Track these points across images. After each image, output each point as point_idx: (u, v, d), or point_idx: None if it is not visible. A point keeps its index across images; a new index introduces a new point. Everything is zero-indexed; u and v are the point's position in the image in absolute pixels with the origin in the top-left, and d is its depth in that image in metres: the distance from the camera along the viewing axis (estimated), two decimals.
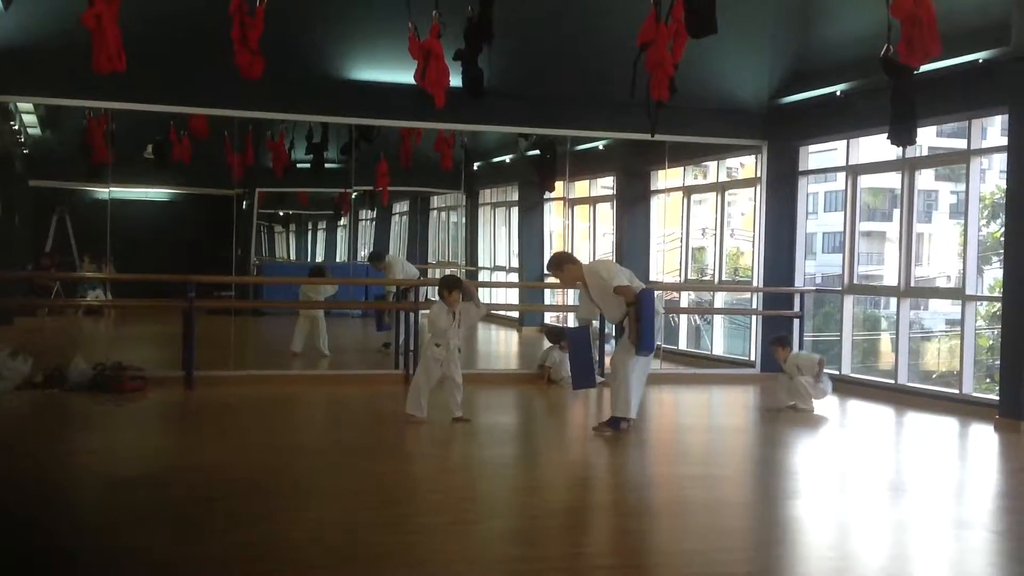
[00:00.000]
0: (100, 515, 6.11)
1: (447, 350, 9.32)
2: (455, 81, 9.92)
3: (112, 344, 12.67)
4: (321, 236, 17.83)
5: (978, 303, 11.80)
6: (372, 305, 14.29)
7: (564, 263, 9.31)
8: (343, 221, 16.96)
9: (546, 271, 10.17)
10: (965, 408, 10.77)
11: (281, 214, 17.54)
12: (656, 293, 9.34)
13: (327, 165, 14.86)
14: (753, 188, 14.09)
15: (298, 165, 15.13)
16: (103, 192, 13.18)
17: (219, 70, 9.94)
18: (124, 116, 12.46)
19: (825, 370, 11.01)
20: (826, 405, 11.03)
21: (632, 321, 8.81)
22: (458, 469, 7.92)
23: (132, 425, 9.68)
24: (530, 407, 11.20)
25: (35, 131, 14.25)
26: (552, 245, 16.59)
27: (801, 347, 11.08)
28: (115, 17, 8.45)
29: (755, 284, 13.95)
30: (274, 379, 11.81)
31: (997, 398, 10.32)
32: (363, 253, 17.35)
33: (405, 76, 10.24)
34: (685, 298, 15.54)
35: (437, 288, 9.63)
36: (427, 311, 12.94)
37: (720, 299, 15.61)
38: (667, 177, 15.27)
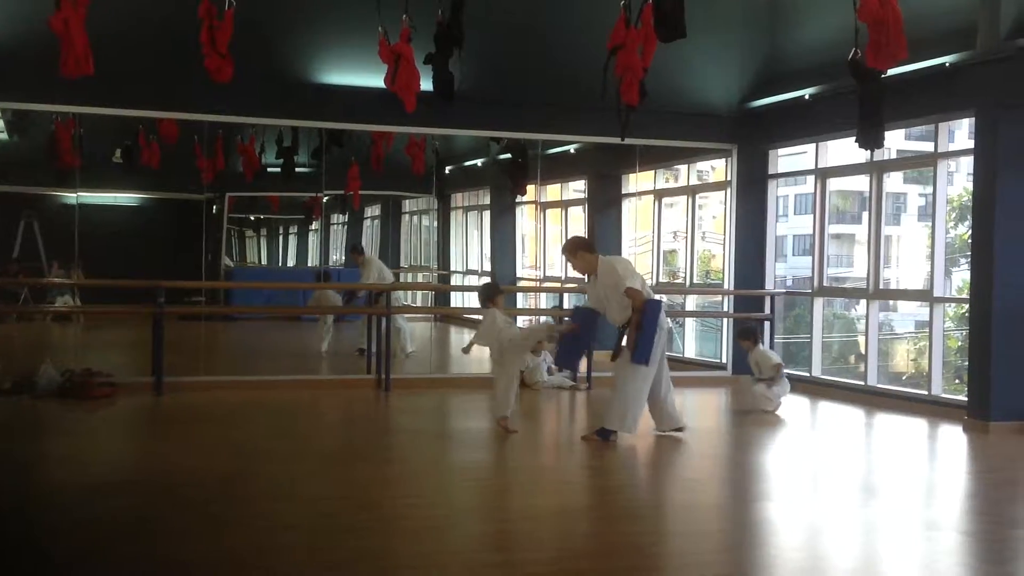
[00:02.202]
0: (71, 523, 6.04)
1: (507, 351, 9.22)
2: (426, 85, 9.92)
3: (81, 350, 12.55)
4: (292, 240, 17.73)
5: (946, 305, 11.92)
6: (343, 311, 14.25)
7: (579, 249, 9.09)
8: (314, 225, 16.87)
9: (561, 254, 9.98)
10: (934, 409, 10.86)
11: (252, 218, 17.42)
12: (663, 308, 9.09)
13: (298, 169, 14.77)
14: (723, 191, 14.16)
15: (268, 169, 15.04)
16: (71, 197, 13.06)
17: (188, 74, 9.87)
18: (92, 120, 12.37)
19: (785, 371, 11.15)
20: (787, 405, 11.12)
21: (633, 328, 8.73)
22: (433, 473, 7.90)
23: (102, 431, 9.60)
24: None
25: (2, 136, 14.09)
26: (524, 249, 16.59)
27: (772, 349, 11.18)
28: (83, 21, 8.39)
29: (726, 287, 14.02)
30: (245, 384, 11.72)
31: (966, 399, 10.41)
32: (335, 258, 17.27)
33: (375, 80, 10.22)
34: None
35: (481, 299, 9.52)
36: (399, 315, 12.93)
37: (691, 302, 15.69)
38: (638, 180, 15.30)
